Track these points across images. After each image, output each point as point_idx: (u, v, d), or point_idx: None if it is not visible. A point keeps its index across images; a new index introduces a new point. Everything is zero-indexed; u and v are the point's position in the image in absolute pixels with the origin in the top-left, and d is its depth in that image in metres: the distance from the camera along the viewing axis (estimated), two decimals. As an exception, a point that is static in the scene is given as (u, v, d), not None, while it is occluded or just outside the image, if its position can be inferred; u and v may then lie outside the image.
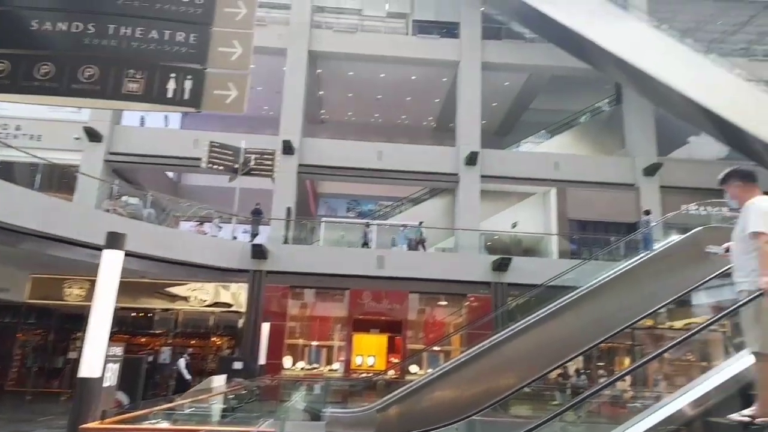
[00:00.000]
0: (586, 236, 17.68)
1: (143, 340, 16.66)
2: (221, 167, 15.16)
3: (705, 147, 18.74)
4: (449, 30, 19.04)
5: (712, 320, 4.25)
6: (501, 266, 14.80)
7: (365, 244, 15.80)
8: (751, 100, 15.67)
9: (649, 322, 11.00)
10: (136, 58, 5.29)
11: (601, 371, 14.07)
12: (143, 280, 14.41)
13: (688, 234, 11.08)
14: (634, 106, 18.29)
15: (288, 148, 16.68)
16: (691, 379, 4.84)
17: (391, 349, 15.63)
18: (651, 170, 17.23)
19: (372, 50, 18.35)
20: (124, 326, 16.31)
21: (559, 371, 12.59)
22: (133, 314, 16.28)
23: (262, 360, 12.22)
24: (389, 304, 15.59)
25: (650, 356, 5.14)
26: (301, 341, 15.44)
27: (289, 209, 16.26)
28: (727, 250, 4.12)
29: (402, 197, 21.50)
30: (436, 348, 15.09)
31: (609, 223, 17.67)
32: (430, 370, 11.80)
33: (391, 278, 14.84)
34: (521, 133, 21.61)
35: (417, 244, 16.41)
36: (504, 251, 16.27)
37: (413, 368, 14.40)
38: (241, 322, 15.12)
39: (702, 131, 17.69)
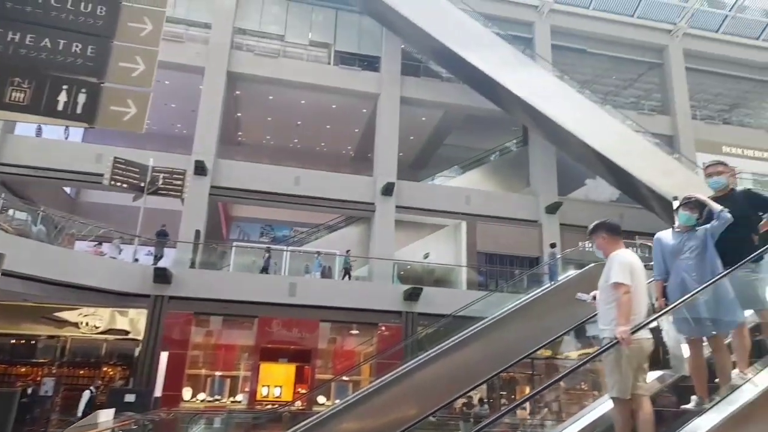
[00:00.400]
0: (493, 269, 18.44)
1: (23, 369, 15.04)
2: (125, 185, 14.31)
3: (599, 189, 20.38)
4: (370, 63, 19.52)
5: (578, 365, 4.54)
6: (412, 296, 15.02)
7: (264, 269, 15.41)
8: (638, 148, 17.32)
9: (547, 353, 11.53)
10: (23, 66, 4.91)
11: (503, 400, 14.53)
12: (26, 303, 13.11)
13: (582, 270, 11.90)
14: (539, 148, 19.57)
15: (200, 169, 16.10)
16: (583, 407, 5.15)
17: (300, 379, 15.22)
18: (552, 208, 18.41)
19: (293, 76, 18.35)
20: (1, 354, 14.66)
21: (463, 400, 12.85)
22: (12, 341, 14.68)
23: (158, 392, 11.43)
24: (299, 332, 15.27)
25: (541, 387, 5.41)
26: (203, 371, 14.66)
27: (198, 232, 15.60)
28: (594, 297, 4.31)
29: (318, 224, 21.37)
30: (345, 378, 14.90)
31: (514, 256, 18.54)
32: (338, 401, 11.62)
33: (303, 306, 14.58)
34: (436, 167, 22.35)
35: (345, 273, 16.41)
36: (417, 281, 16.56)
37: (321, 399, 14.09)
38: (138, 351, 14.11)
39: (597, 175, 19.23)
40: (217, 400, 14.11)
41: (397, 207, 17.66)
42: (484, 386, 15.08)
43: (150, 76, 5.28)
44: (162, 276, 13.54)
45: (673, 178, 15.94)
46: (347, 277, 16.35)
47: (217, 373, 14.64)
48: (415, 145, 22.56)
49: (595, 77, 21.12)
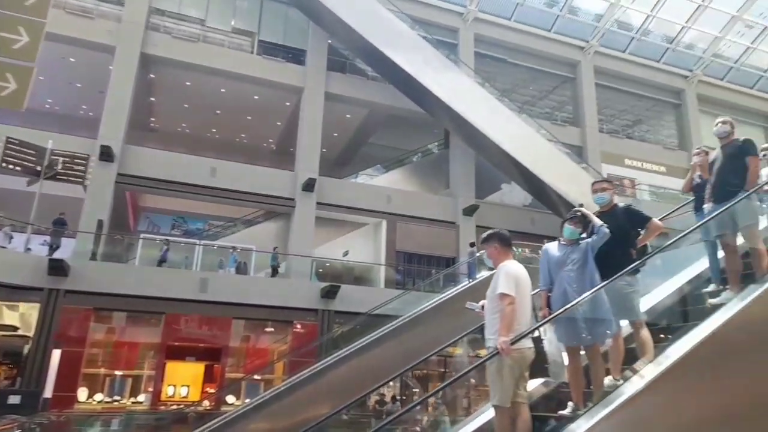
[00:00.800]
0: (411, 268, 18.70)
1: None
2: (19, 168, 13.09)
3: (514, 194, 21.27)
4: (295, 56, 19.13)
5: (461, 374, 4.67)
6: (329, 294, 14.89)
7: (162, 262, 14.66)
8: (551, 156, 18.26)
9: (458, 350, 11.79)
10: None
11: (416, 397, 14.73)
12: None
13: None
14: (459, 152, 20.09)
15: (106, 155, 15.02)
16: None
17: (209, 378, 14.62)
18: (469, 211, 18.96)
19: (213, 63, 17.59)
20: None
21: (376, 398, 12.90)
22: None
23: (48, 392, 10.52)
24: (210, 330, 14.68)
25: (433, 391, 5.54)
26: (102, 370, 13.71)
27: (101, 222, 14.54)
28: (483, 307, 4.41)
29: (235, 218, 20.66)
30: (257, 377, 14.50)
31: (432, 256, 18.91)
32: (248, 400, 11.27)
33: (215, 303, 14.02)
34: (359, 165, 22.33)
35: (273, 271, 16.01)
36: (336, 279, 16.43)
37: (231, 399, 13.61)
38: (27, 349, 12.92)
39: (512, 180, 20.06)
40: (116, 400, 13.22)
41: (318, 203, 17.44)
42: (398, 384, 15.27)
43: (34, 49, 4.78)
44: (57, 268, 12.50)
45: (580, 186, 16.90)
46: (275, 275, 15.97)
47: (118, 373, 13.74)
48: (339, 142, 22.41)
49: (514, 86, 22.00)
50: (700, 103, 24.08)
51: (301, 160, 17.87)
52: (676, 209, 7.17)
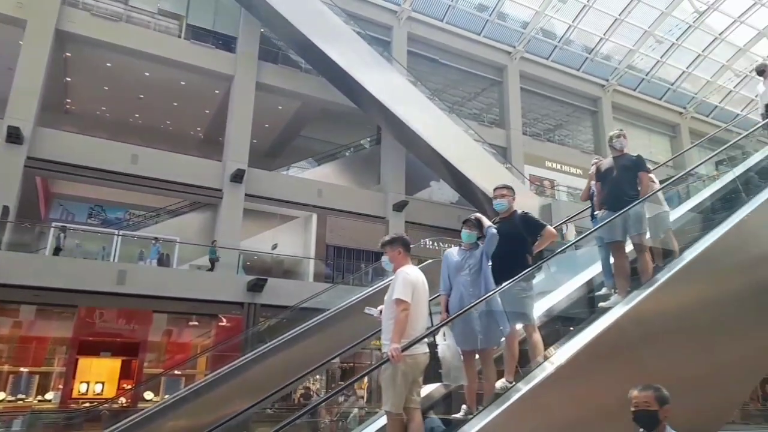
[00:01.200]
0: (341, 261, 18.79)
1: None
2: None
3: (442, 192, 21.85)
4: (226, 42, 18.59)
5: (355, 378, 4.76)
6: (256, 287, 14.68)
7: (58, 250, 13.89)
8: (477, 156, 18.91)
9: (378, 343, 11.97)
10: None
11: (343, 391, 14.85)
12: None
13: (423, 264, 12.66)
14: (391, 148, 20.36)
15: (14, 136, 13.97)
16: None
17: (126, 374, 14.04)
18: (399, 206, 19.29)
19: (137, 45, 16.75)
20: None
21: (301, 391, 12.92)
22: None
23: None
24: (128, 324, 14.07)
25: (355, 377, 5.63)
26: (6, 367, 12.82)
27: (6, 208, 13.52)
28: (381, 312, 4.32)
29: (158, 207, 19.84)
30: (177, 372, 14.07)
31: (361, 250, 19.07)
32: (167, 396, 10.92)
33: (134, 296, 13.43)
34: (291, 158, 22.07)
35: (212, 264, 15.53)
36: (265, 272, 16.21)
37: (149, 395, 13.13)
38: None
39: (441, 177, 20.59)
40: (21, 399, 12.40)
41: (246, 195, 17.09)
42: (324, 378, 15.33)
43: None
44: (-45, 257, 11.53)
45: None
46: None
47: (24, 369, 12.88)
48: (270, 133, 22.04)
49: (445, 87, 22.54)
50: (614, 111, 25.74)
51: (230, 150, 17.43)
52: (575, 216, 7.64)
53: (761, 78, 8.40)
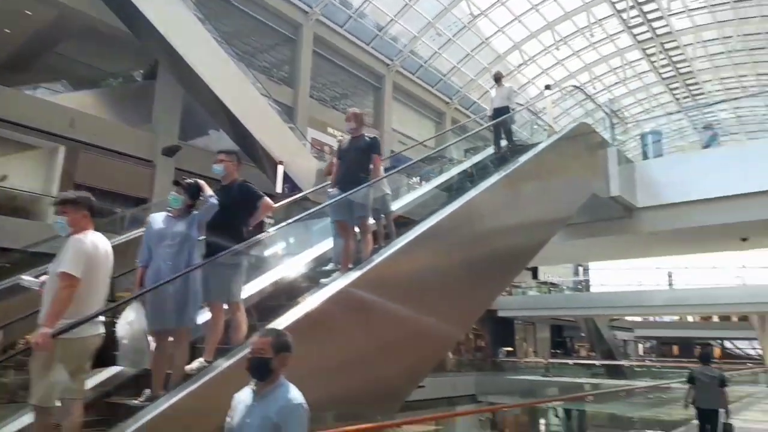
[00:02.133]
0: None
1: None
2: None
3: (221, 143, 20.81)
4: None
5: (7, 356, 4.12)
6: (-28, 224, 12.11)
7: None
8: (262, 111, 18.41)
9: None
10: None
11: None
12: None
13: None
14: (167, 86, 18.55)
15: None
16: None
17: None
18: (170, 151, 17.77)
19: None
20: None
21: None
22: None
23: None
24: None
25: None
26: None
27: None
28: (44, 284, 3.63)
29: None
30: None
31: (120, 194, 17.14)
32: None
33: None
34: (40, 77, 18.52)
35: None
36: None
37: None
38: None
39: (221, 127, 19.59)
40: None
41: (-32, 112, 13.83)
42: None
43: None
44: None
45: (285, 145, 17.66)
46: None
47: None
48: (12, 41, 18.07)
49: (238, 33, 21.33)
50: (394, 91, 27.69)
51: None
52: (312, 191, 8.02)
53: (497, 84, 9.88)
